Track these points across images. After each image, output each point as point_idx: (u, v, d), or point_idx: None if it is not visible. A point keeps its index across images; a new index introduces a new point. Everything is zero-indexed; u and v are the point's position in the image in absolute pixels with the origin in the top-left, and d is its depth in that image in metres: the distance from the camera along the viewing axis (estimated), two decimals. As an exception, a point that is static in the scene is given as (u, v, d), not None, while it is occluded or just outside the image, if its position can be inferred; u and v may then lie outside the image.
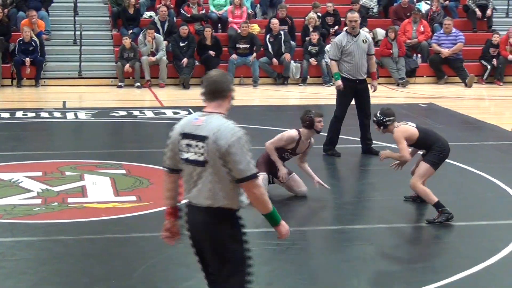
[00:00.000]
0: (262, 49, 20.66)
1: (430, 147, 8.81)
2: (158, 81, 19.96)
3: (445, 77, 21.20)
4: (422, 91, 19.74)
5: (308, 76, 20.74)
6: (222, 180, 4.97)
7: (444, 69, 21.29)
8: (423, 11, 22.68)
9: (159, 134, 14.43)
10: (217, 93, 5.09)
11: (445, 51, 21.08)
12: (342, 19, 22.07)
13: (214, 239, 5.02)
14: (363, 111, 12.19)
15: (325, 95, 18.69)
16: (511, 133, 14.16)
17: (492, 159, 12.04)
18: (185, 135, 5.08)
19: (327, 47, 20.57)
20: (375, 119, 9.19)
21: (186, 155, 5.08)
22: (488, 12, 23.00)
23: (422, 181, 8.81)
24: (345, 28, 13.79)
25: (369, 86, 12.43)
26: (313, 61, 20.51)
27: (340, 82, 12.54)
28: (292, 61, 20.67)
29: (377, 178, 11.02)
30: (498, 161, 11.92)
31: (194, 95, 18.93)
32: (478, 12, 22.89)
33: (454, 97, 18.97)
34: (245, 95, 19.38)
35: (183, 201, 5.21)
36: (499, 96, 19.62)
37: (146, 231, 8.38)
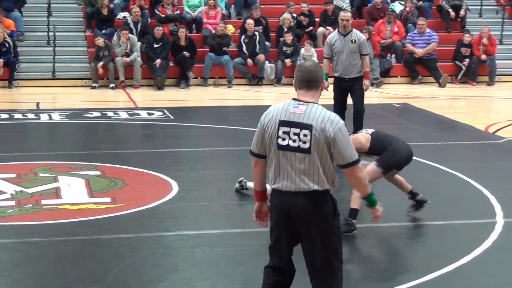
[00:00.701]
0: (236, 49, 20.67)
1: (381, 153, 8.49)
2: (133, 82, 19.89)
3: (419, 77, 21.31)
4: (396, 91, 19.82)
5: (283, 77, 20.76)
6: (324, 164, 5.22)
7: (418, 69, 21.40)
8: (397, 12, 22.78)
9: (133, 135, 14.41)
10: (313, 82, 5.38)
11: (419, 51, 21.18)
12: (316, 19, 22.16)
13: (321, 218, 5.26)
14: (354, 109, 12.41)
15: (300, 96, 18.69)
16: (485, 132, 14.25)
17: (466, 159, 12.10)
18: (284, 123, 5.26)
19: (303, 50, 20.62)
20: None
21: (285, 142, 5.24)
22: (462, 12, 23.14)
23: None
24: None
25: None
26: (287, 61, 20.52)
27: (326, 83, 12.60)
28: (266, 62, 20.68)
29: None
30: (471, 161, 11.98)
31: (169, 95, 18.91)
32: (452, 13, 23.02)
33: (428, 97, 19.06)
34: (220, 95, 19.38)
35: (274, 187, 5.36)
36: (472, 96, 19.73)
37: (120, 233, 8.35)
